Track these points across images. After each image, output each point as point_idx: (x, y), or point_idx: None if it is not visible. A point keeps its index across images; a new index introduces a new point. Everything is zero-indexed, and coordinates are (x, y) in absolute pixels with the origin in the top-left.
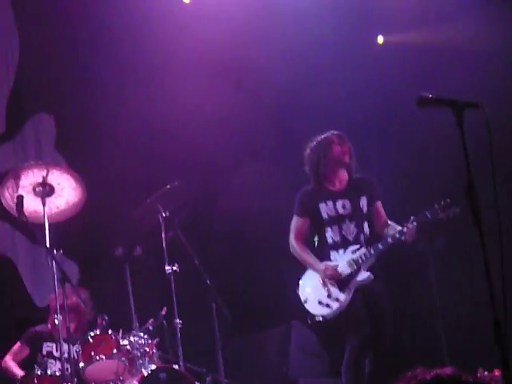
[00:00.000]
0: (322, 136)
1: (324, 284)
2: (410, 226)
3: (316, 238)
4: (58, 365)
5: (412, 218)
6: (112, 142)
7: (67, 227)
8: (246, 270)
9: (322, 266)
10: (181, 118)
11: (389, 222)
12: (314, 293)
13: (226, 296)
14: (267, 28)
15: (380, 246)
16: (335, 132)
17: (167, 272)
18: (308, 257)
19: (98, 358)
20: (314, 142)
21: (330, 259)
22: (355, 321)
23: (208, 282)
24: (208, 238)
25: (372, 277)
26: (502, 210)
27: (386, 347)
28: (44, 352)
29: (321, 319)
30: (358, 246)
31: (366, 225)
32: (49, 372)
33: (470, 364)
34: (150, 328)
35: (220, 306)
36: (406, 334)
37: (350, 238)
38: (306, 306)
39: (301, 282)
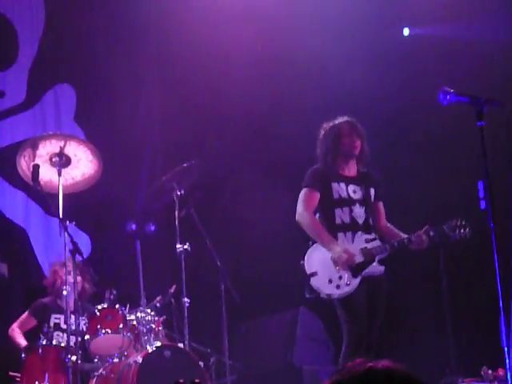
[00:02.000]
0: (336, 122)
1: (335, 264)
2: (421, 235)
3: (317, 216)
4: (65, 337)
5: (426, 227)
6: (131, 117)
7: (81, 199)
8: (257, 253)
9: (339, 247)
10: (204, 96)
11: (388, 224)
12: (325, 269)
13: (235, 278)
14: (295, 15)
15: (396, 245)
16: (348, 119)
17: (178, 250)
18: (323, 232)
19: (103, 331)
20: (327, 128)
21: (336, 240)
22: (357, 311)
23: (218, 263)
24: (220, 220)
25: (383, 272)
26: None
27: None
28: (51, 324)
29: (325, 297)
30: (372, 236)
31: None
32: (54, 342)
33: (475, 362)
34: (158, 305)
35: (229, 287)
36: (410, 331)
37: (360, 221)
38: (313, 279)
39: (307, 254)
